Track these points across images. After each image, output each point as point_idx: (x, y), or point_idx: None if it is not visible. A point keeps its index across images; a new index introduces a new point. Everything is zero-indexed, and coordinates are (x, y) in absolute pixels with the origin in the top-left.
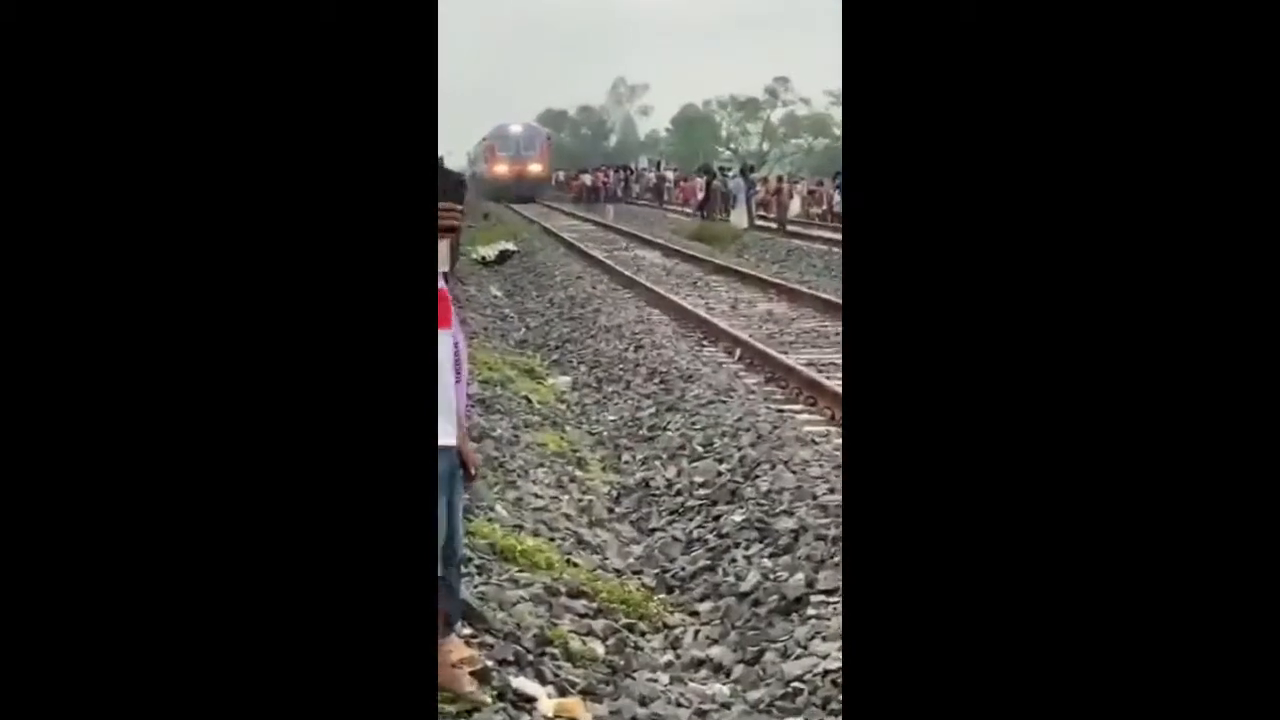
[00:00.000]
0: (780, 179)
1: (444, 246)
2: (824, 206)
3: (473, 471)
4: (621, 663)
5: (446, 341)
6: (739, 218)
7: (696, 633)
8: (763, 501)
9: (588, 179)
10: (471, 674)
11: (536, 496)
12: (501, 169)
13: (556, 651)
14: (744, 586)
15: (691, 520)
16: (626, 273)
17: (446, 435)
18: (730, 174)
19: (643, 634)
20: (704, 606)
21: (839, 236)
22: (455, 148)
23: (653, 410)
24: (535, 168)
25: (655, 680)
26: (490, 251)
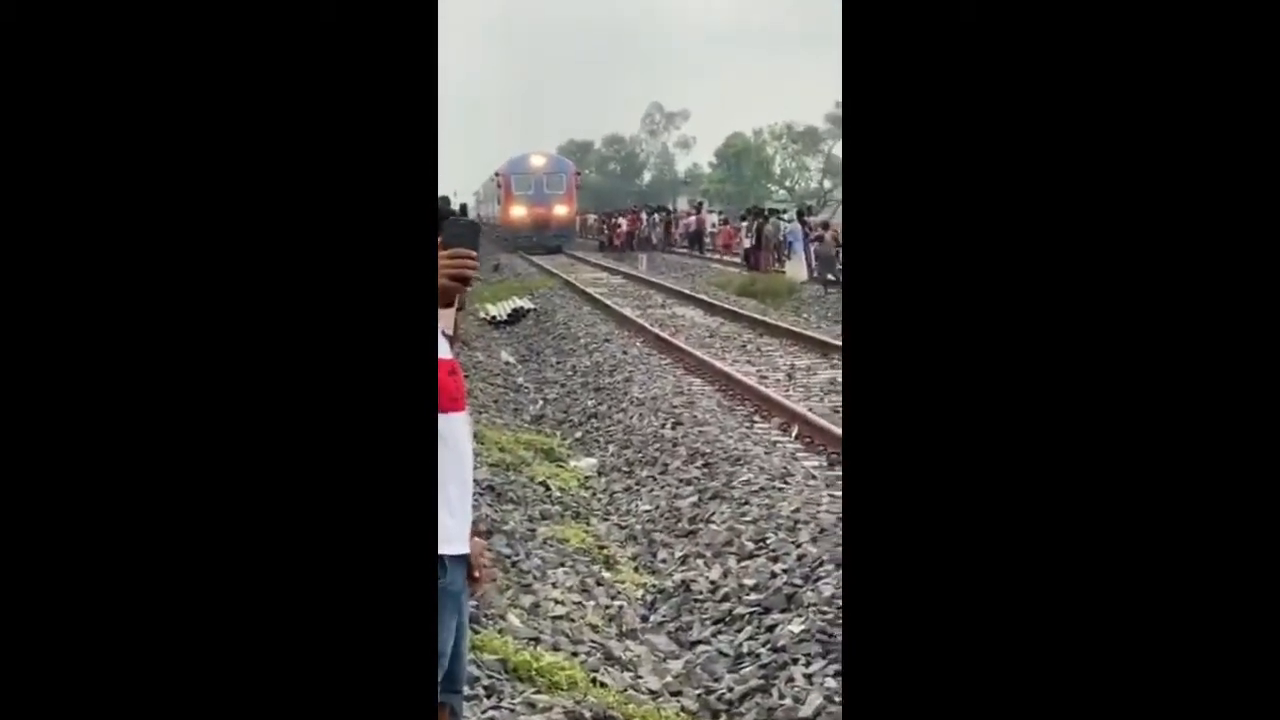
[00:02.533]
0: (824, 225)
1: (447, 309)
2: None
3: (477, 574)
4: None
5: (464, 427)
6: (796, 269)
7: None
8: (826, 609)
9: (624, 223)
10: None
11: (556, 603)
12: (519, 212)
13: None
14: (804, 711)
15: (740, 631)
16: (663, 334)
17: (463, 541)
18: (785, 217)
19: None
20: None
21: None
22: (461, 185)
23: (694, 499)
24: (560, 210)
25: None
26: (501, 310)
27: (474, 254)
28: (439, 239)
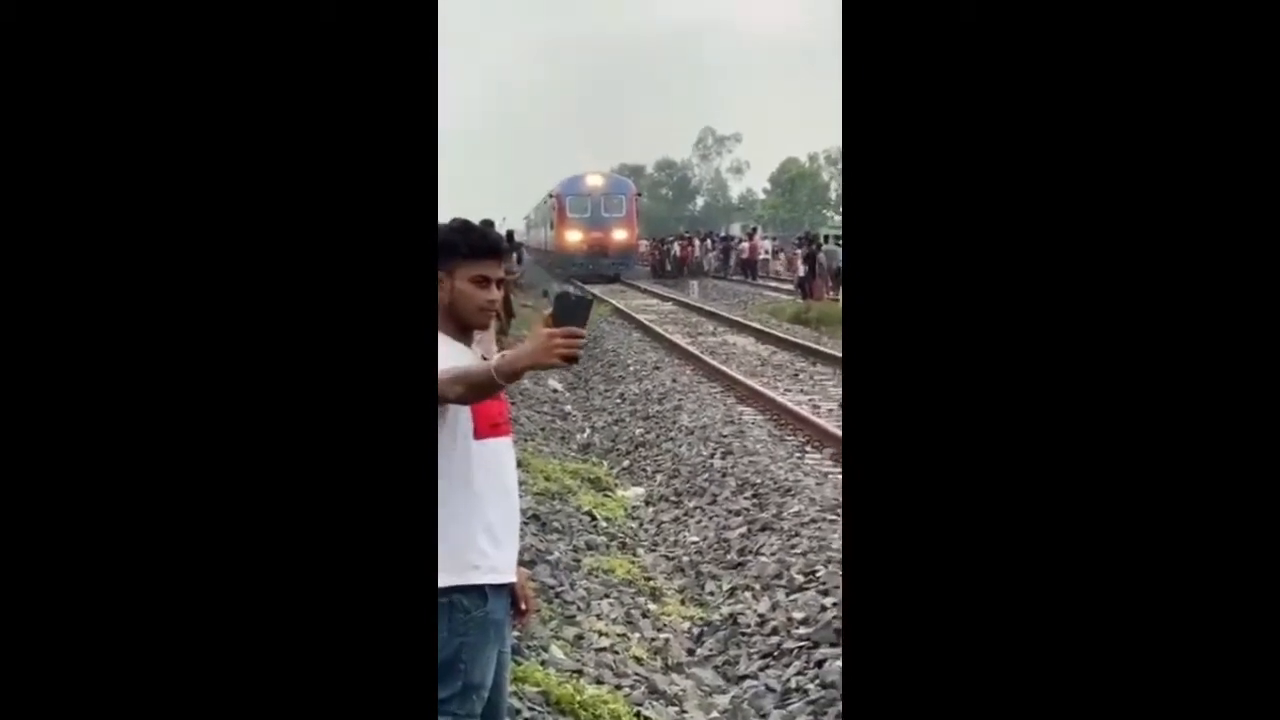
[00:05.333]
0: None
1: (483, 331)
2: None
3: (523, 606)
4: None
5: (507, 453)
6: None
7: None
8: None
9: (678, 248)
10: None
11: (600, 635)
12: (574, 236)
13: None
14: None
15: (789, 666)
16: (714, 362)
17: (507, 571)
18: (840, 243)
19: None
20: None
21: None
22: (509, 209)
23: (743, 530)
24: (619, 234)
25: None
26: None
27: (584, 334)
28: (550, 313)
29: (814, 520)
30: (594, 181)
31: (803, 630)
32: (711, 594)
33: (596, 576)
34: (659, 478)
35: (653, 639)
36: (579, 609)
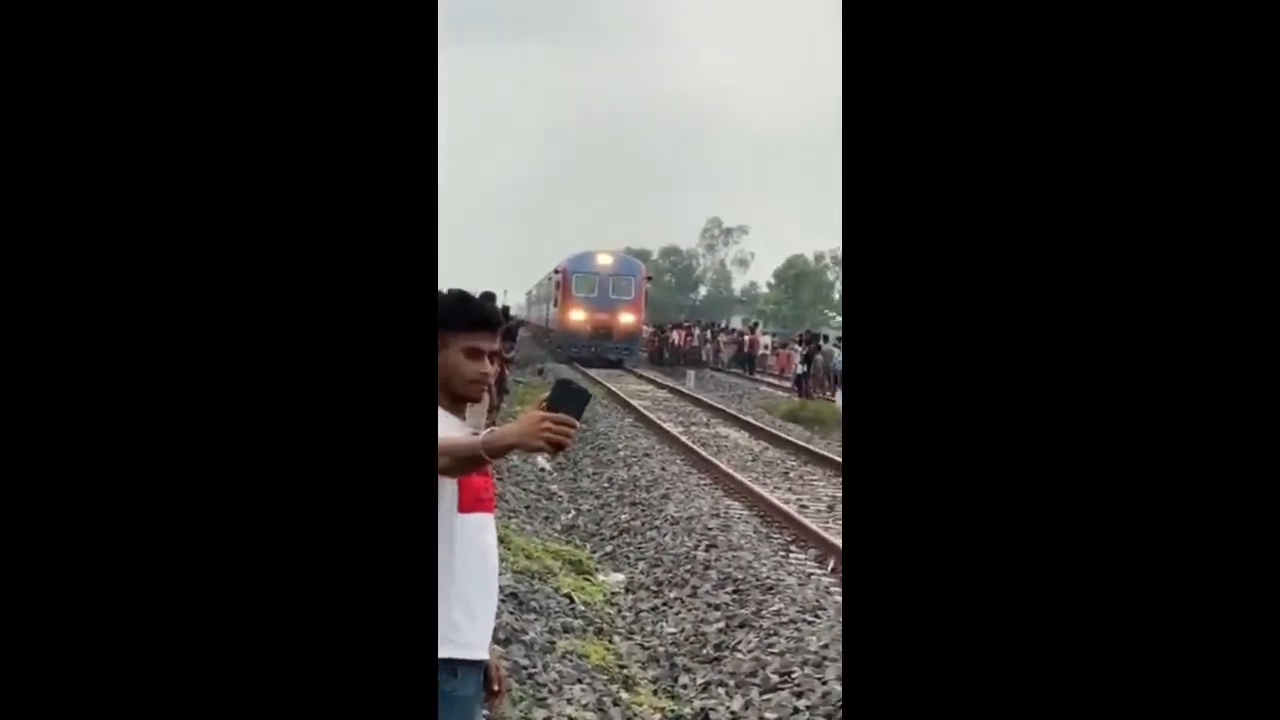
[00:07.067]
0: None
1: (481, 400)
2: None
3: (495, 688)
4: None
5: (490, 529)
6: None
7: None
8: None
9: (677, 337)
10: None
11: None
12: (578, 316)
13: None
14: None
15: None
16: (704, 454)
17: (480, 648)
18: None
19: None
20: None
21: None
22: (513, 285)
23: (721, 625)
24: (627, 318)
25: None
26: None
27: (576, 424)
28: (546, 398)
29: (793, 620)
30: (603, 260)
31: None
32: (685, 687)
33: (570, 660)
34: (641, 565)
35: None
36: (550, 692)
